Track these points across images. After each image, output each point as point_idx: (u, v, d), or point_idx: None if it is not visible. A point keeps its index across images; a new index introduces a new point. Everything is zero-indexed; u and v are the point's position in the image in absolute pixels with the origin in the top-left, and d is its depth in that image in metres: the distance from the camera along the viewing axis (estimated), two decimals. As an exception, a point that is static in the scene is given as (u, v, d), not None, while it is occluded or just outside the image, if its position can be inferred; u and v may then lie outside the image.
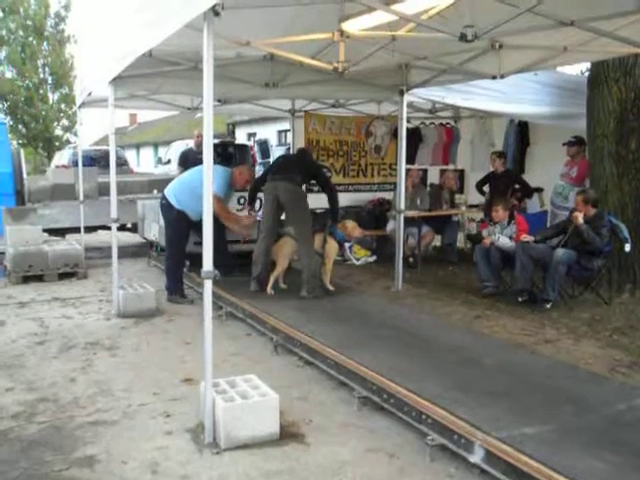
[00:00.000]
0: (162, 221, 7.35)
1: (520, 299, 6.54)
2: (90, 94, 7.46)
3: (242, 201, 7.60)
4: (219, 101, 8.55)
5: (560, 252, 6.27)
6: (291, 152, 10.53)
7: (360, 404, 3.97)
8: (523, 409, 3.57)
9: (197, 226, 6.49)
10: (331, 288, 6.63)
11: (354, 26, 4.89)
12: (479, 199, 9.41)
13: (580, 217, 6.21)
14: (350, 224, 6.83)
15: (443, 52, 6.18)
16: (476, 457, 3.11)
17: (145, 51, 4.81)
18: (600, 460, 2.98)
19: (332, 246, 6.65)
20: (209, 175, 3.43)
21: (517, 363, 4.49)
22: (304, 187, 7.24)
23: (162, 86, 7.07)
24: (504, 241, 6.76)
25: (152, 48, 4.87)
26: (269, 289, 6.46)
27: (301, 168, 6.72)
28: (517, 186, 8.74)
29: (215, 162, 6.25)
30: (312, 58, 5.94)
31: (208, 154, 3.41)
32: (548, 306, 6.32)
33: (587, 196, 6.40)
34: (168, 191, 6.89)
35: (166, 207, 6.86)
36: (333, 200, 6.76)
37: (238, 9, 3.66)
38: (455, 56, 6.25)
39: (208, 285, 3.44)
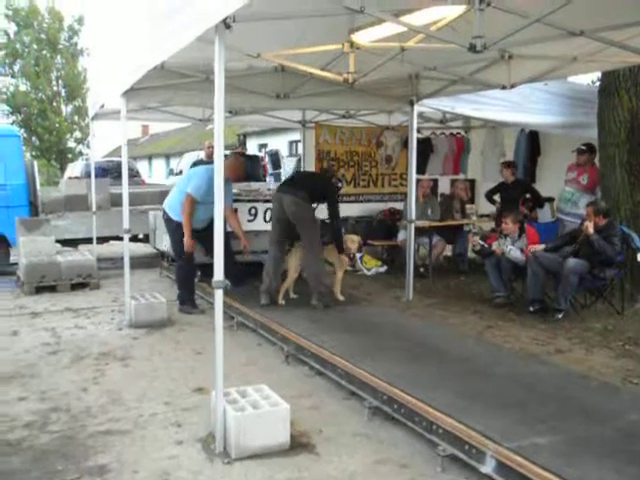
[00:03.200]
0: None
1: (531, 309, 6.50)
2: (103, 106, 7.54)
3: (253, 211, 7.62)
4: (230, 112, 8.61)
5: (571, 262, 6.24)
6: (302, 163, 10.60)
7: (371, 414, 3.96)
8: (535, 419, 3.54)
9: (201, 237, 6.52)
10: (341, 298, 6.64)
11: (364, 37, 4.93)
12: (490, 209, 9.40)
13: (591, 227, 6.17)
14: (348, 238, 6.79)
15: (453, 63, 6.20)
16: (487, 468, 3.10)
17: (157, 63, 4.87)
18: (613, 471, 2.96)
19: (342, 256, 6.66)
20: (220, 186, 3.44)
21: (528, 373, 4.46)
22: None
23: (174, 98, 7.12)
24: (516, 254, 6.72)
25: (164, 60, 4.93)
26: (280, 299, 6.48)
27: (309, 185, 6.62)
28: (528, 196, 8.72)
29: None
30: (322, 69, 5.99)
31: (219, 165, 3.43)
32: (560, 316, 6.28)
33: (597, 207, 6.36)
34: (165, 204, 6.99)
35: (166, 220, 6.96)
36: (334, 227, 6.67)
37: (249, 22, 3.69)
38: (465, 66, 6.26)
39: (219, 295, 3.46)
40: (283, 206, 6.42)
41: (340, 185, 8.32)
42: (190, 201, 6.52)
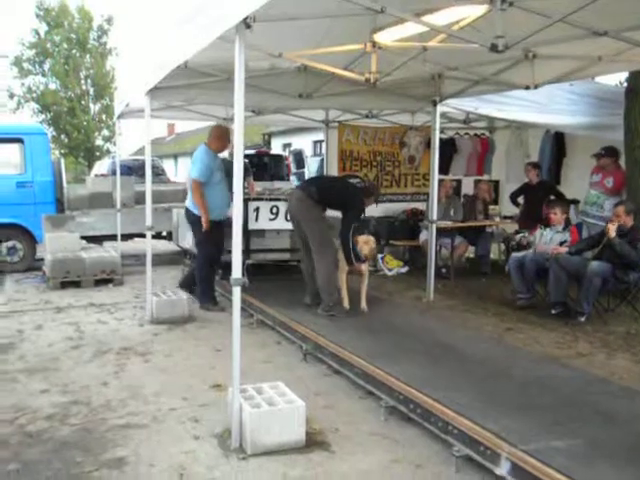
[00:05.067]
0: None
1: (554, 312, 6.44)
2: (128, 105, 7.63)
3: (274, 210, 7.63)
4: (253, 112, 8.66)
5: (595, 264, 6.16)
6: (325, 163, 10.60)
7: (387, 414, 3.96)
8: (552, 422, 3.51)
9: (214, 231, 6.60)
10: (364, 307, 6.17)
11: (386, 37, 4.93)
12: (513, 210, 9.32)
13: (613, 230, 6.07)
14: (361, 239, 6.04)
15: (475, 62, 6.16)
16: (502, 470, 3.08)
17: (180, 63, 4.92)
18: (630, 476, 2.93)
19: (357, 267, 6.14)
20: (239, 184, 3.47)
21: (548, 376, 4.41)
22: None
23: (197, 97, 7.19)
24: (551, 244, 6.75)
25: (187, 60, 4.98)
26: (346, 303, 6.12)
27: (326, 186, 6.39)
28: (553, 197, 8.63)
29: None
30: (345, 69, 5.99)
31: (239, 163, 3.46)
32: (582, 319, 6.21)
33: (628, 207, 6.27)
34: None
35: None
36: (341, 237, 6.02)
37: (270, 21, 3.71)
38: (488, 66, 6.22)
39: (237, 292, 3.49)
40: (292, 202, 6.37)
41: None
42: (196, 184, 6.57)
